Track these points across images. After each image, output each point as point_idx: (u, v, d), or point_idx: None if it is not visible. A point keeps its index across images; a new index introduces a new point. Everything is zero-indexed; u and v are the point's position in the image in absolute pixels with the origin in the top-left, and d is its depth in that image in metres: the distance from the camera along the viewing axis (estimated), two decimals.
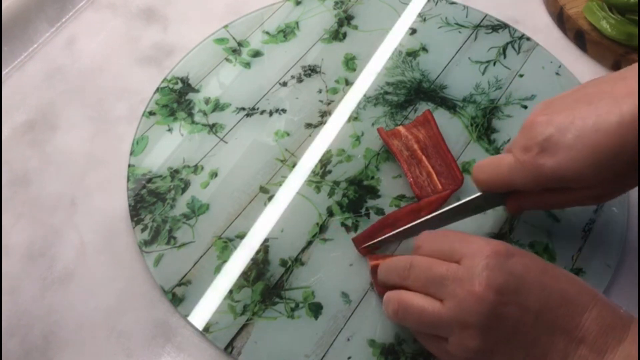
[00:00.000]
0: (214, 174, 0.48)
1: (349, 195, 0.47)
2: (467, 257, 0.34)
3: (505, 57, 0.54)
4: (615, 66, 0.53)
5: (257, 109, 0.52)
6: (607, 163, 0.34)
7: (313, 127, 0.51)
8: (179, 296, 0.42)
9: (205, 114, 0.52)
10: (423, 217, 0.42)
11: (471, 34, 0.56)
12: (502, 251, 0.33)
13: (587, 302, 0.33)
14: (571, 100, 0.36)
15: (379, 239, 0.43)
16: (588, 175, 0.34)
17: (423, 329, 0.36)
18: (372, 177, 0.48)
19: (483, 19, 0.57)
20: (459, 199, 0.43)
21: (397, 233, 0.42)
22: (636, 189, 0.47)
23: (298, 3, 0.59)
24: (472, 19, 0.57)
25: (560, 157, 0.35)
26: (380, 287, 0.39)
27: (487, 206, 0.42)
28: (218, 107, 0.52)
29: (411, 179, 0.46)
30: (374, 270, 0.40)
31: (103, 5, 0.60)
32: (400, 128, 0.49)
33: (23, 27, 0.56)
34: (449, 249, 0.35)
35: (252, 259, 0.44)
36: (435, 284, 0.34)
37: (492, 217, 0.45)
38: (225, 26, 0.57)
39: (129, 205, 0.46)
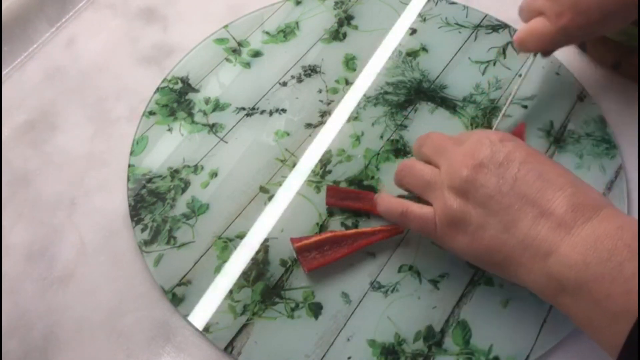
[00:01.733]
0: (214, 174, 0.48)
1: None
2: (471, 137, 0.39)
3: (505, 57, 0.54)
4: (616, 66, 0.53)
5: (257, 109, 0.52)
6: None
7: (313, 127, 0.51)
8: (179, 296, 0.42)
9: (205, 114, 0.52)
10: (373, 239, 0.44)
11: (471, 34, 0.56)
12: (497, 135, 0.38)
13: (564, 183, 0.35)
14: None
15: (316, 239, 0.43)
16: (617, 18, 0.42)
17: (418, 188, 0.40)
18: (372, 177, 0.48)
19: (483, 19, 0.57)
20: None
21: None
22: (635, 189, 0.47)
23: (298, 3, 0.59)
24: (472, 19, 0.57)
25: (589, 14, 0.41)
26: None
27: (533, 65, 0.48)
28: (218, 107, 0.52)
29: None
30: (298, 250, 0.42)
31: (103, 5, 0.60)
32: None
33: (23, 27, 0.56)
34: (451, 140, 0.40)
35: (252, 259, 0.44)
36: (439, 154, 0.39)
37: None
38: (225, 26, 0.57)
39: (129, 205, 0.46)
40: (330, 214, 0.46)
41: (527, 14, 0.46)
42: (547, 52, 0.46)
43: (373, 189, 0.47)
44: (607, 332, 0.31)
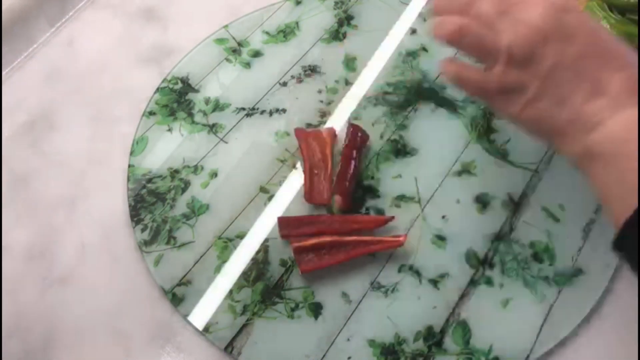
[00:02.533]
0: (214, 174, 0.48)
1: None
2: (527, 2, 0.36)
3: None
4: None
5: (257, 109, 0.52)
6: None
7: (313, 127, 0.51)
8: (179, 296, 0.42)
9: (205, 114, 0.52)
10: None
11: None
12: (561, 4, 0.36)
13: (625, 64, 0.35)
14: None
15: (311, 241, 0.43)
16: None
17: (475, 51, 0.38)
18: (372, 177, 0.48)
19: None
20: None
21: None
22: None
23: (298, 3, 0.59)
24: None
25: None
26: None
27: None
28: (218, 107, 0.52)
29: (307, 183, 0.46)
30: (296, 251, 0.42)
31: (103, 5, 0.60)
32: (323, 130, 0.49)
33: (23, 27, 0.56)
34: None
35: (252, 259, 0.44)
36: (500, 16, 0.37)
37: (492, 217, 0.45)
38: (225, 26, 0.57)
39: (129, 205, 0.46)
40: (330, 214, 0.46)
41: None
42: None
43: (373, 189, 0.47)
44: (619, 204, 0.33)
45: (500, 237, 0.44)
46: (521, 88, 0.36)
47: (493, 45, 0.37)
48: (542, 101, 0.36)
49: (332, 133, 0.49)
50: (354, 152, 0.47)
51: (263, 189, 0.47)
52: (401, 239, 0.43)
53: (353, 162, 0.46)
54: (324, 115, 0.51)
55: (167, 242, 0.45)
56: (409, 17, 0.57)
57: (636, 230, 0.31)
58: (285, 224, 0.44)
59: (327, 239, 0.43)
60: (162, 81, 0.54)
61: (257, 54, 0.55)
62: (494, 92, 0.37)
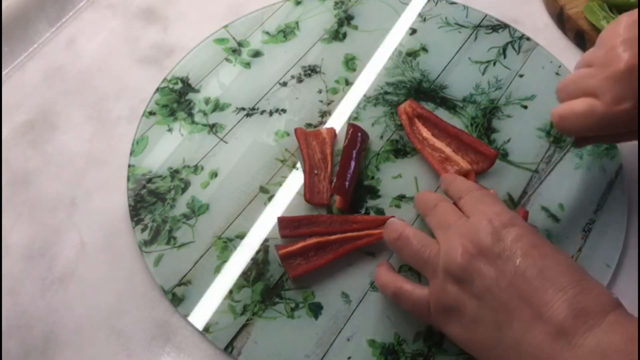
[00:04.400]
0: (214, 174, 0.48)
1: None
2: (476, 215, 0.36)
3: (505, 57, 0.54)
4: None
5: (257, 109, 0.52)
6: None
7: (313, 127, 0.51)
8: (179, 296, 0.42)
9: (205, 114, 0.52)
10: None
11: (471, 34, 0.56)
12: (504, 219, 0.35)
13: (567, 283, 0.31)
14: None
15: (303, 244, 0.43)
16: None
17: (414, 263, 0.38)
18: (372, 177, 0.48)
19: (483, 19, 0.57)
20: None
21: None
22: (635, 189, 0.47)
23: (298, 3, 0.59)
24: (472, 19, 0.57)
25: None
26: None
27: (568, 152, 0.43)
28: (218, 107, 0.52)
29: (307, 183, 0.46)
30: (282, 257, 0.42)
31: (103, 6, 0.60)
32: (323, 130, 0.49)
33: (23, 27, 0.56)
34: (471, 207, 0.38)
35: (252, 259, 0.44)
36: (442, 228, 0.37)
37: None
38: (225, 26, 0.57)
39: (129, 205, 0.46)
40: (330, 214, 0.46)
41: (571, 93, 0.39)
42: (584, 140, 0.42)
43: (373, 189, 0.47)
44: None
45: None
46: (457, 308, 0.34)
47: (429, 258, 0.36)
48: (482, 324, 0.33)
49: (332, 133, 0.49)
50: (354, 152, 0.47)
51: (263, 189, 0.47)
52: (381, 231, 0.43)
53: (353, 162, 0.46)
54: (324, 115, 0.51)
55: (167, 242, 0.45)
56: (409, 17, 0.57)
57: None
58: (285, 224, 0.44)
59: (313, 240, 0.43)
60: (162, 81, 0.54)
61: (257, 54, 0.55)
62: (434, 311, 0.36)
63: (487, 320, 0.33)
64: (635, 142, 0.49)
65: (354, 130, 0.48)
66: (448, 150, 0.48)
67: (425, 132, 0.49)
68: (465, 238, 0.35)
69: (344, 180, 0.45)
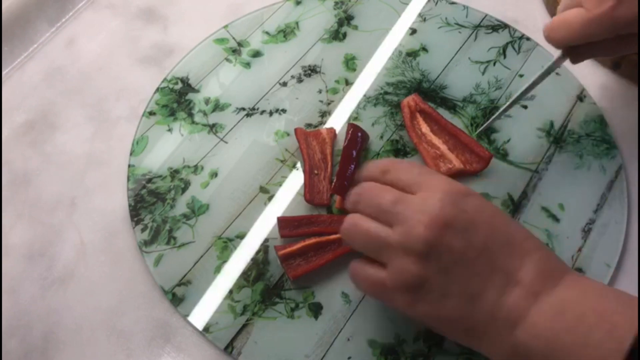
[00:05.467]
0: (214, 174, 0.48)
1: None
2: (425, 189, 0.34)
3: (505, 57, 0.54)
4: (615, 66, 0.53)
5: (257, 109, 0.52)
6: None
7: (313, 127, 0.51)
8: (179, 296, 0.42)
9: (205, 114, 0.52)
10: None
11: (471, 34, 0.56)
12: (460, 190, 0.34)
13: (531, 247, 0.33)
14: None
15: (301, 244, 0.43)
16: None
17: (369, 249, 0.35)
18: None
19: (483, 19, 0.57)
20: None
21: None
22: (635, 189, 0.47)
23: (298, 3, 0.59)
24: (472, 19, 0.57)
25: (634, 5, 0.37)
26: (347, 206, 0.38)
27: (557, 66, 0.45)
28: (218, 107, 0.52)
29: (307, 183, 0.46)
30: (282, 258, 0.42)
31: (103, 6, 0.60)
32: (323, 130, 0.49)
33: (23, 27, 0.56)
34: (410, 180, 0.35)
35: (252, 259, 0.44)
36: (386, 211, 0.34)
37: None
38: (225, 26, 0.57)
39: (129, 205, 0.46)
40: (330, 214, 0.46)
41: (564, 9, 0.42)
42: (577, 54, 0.43)
43: None
44: None
45: None
46: (422, 285, 0.33)
47: (384, 240, 0.34)
48: (451, 298, 0.33)
49: (332, 133, 0.49)
50: (354, 152, 0.47)
51: (263, 189, 0.47)
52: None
53: (353, 162, 0.46)
54: (324, 115, 0.51)
55: (167, 242, 0.45)
56: (409, 17, 0.57)
57: None
58: (285, 224, 0.44)
59: (313, 241, 0.43)
60: (162, 81, 0.54)
61: (257, 54, 0.55)
62: (392, 291, 0.34)
63: (456, 292, 0.33)
64: (636, 143, 0.49)
65: (354, 130, 0.48)
66: (444, 148, 0.48)
67: (425, 128, 0.49)
68: (424, 214, 0.33)
69: (344, 180, 0.45)
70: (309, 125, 0.51)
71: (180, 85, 0.53)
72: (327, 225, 0.44)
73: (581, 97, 0.51)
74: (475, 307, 0.32)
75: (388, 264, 0.34)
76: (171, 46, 0.57)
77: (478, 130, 0.49)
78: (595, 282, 0.33)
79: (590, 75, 0.53)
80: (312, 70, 0.54)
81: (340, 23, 0.57)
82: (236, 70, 0.54)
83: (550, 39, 0.42)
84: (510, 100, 0.47)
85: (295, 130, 0.49)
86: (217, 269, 0.44)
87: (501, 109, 0.48)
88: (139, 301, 0.43)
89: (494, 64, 0.54)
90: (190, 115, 0.52)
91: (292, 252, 0.42)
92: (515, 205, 0.46)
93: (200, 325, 0.41)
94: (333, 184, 0.46)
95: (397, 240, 0.33)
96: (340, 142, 0.49)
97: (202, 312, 0.42)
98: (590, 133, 0.49)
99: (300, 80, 0.53)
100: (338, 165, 0.46)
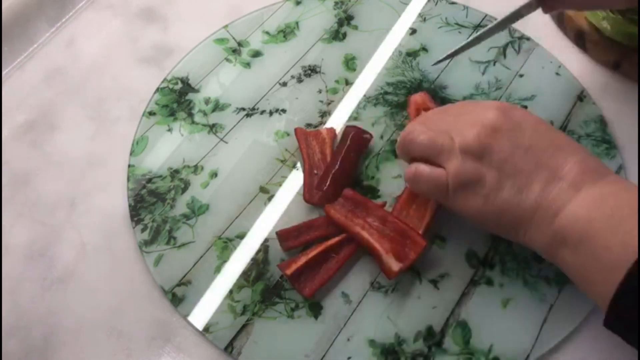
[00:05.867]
0: (214, 174, 0.48)
1: None
2: (477, 109, 0.40)
3: (505, 57, 0.54)
4: (616, 66, 0.53)
5: (257, 109, 0.52)
6: None
7: (313, 127, 0.51)
8: (179, 296, 0.42)
9: (205, 114, 0.52)
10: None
11: (471, 34, 0.56)
12: (506, 105, 0.39)
13: (574, 149, 0.37)
14: None
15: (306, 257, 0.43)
16: None
17: (428, 153, 0.40)
18: (372, 177, 0.48)
19: (483, 19, 0.57)
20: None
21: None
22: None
23: (298, 3, 0.59)
24: (472, 19, 0.57)
25: None
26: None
27: (525, 12, 0.47)
28: (218, 107, 0.52)
29: (307, 183, 0.46)
30: (291, 278, 0.42)
31: (103, 5, 0.60)
32: (323, 130, 0.49)
33: (23, 27, 0.56)
34: (455, 110, 0.42)
35: (252, 259, 0.44)
36: (444, 130, 0.40)
37: None
38: (225, 26, 0.57)
39: (129, 205, 0.46)
40: None
41: None
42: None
43: (373, 189, 0.47)
44: (600, 284, 0.33)
45: (498, 239, 0.44)
46: (479, 180, 0.38)
47: (443, 143, 0.39)
48: (502, 192, 0.37)
49: (332, 133, 0.49)
50: (350, 153, 0.47)
51: (263, 189, 0.47)
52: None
53: (339, 162, 0.46)
54: (324, 115, 0.51)
55: (167, 242, 0.45)
56: (409, 17, 0.57)
57: (624, 306, 0.31)
58: (286, 236, 0.43)
59: (315, 251, 0.42)
60: (162, 81, 0.54)
61: (257, 54, 0.55)
62: (453, 189, 0.39)
63: (507, 187, 0.37)
64: (636, 143, 0.49)
65: (347, 131, 0.48)
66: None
67: None
68: (475, 124, 0.38)
69: (324, 182, 0.45)
70: (309, 125, 0.51)
71: (180, 85, 0.53)
72: (326, 227, 0.44)
73: (581, 97, 0.51)
74: (522, 198, 0.36)
75: (447, 166, 0.39)
76: (171, 46, 0.57)
77: (433, 63, 0.50)
78: (634, 184, 0.36)
79: (590, 75, 0.53)
80: (312, 70, 0.54)
81: (340, 23, 0.57)
82: (236, 70, 0.54)
83: None
84: (472, 37, 0.47)
85: (295, 130, 0.49)
86: (217, 269, 0.44)
87: (462, 44, 0.48)
88: (139, 301, 0.43)
89: (494, 64, 0.54)
90: (190, 115, 0.52)
91: (300, 268, 0.42)
92: None
93: (200, 325, 0.41)
94: (316, 182, 0.46)
95: (453, 145, 0.39)
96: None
97: (202, 312, 0.42)
98: (590, 133, 0.49)
99: (300, 80, 0.53)
100: (336, 165, 0.46)
